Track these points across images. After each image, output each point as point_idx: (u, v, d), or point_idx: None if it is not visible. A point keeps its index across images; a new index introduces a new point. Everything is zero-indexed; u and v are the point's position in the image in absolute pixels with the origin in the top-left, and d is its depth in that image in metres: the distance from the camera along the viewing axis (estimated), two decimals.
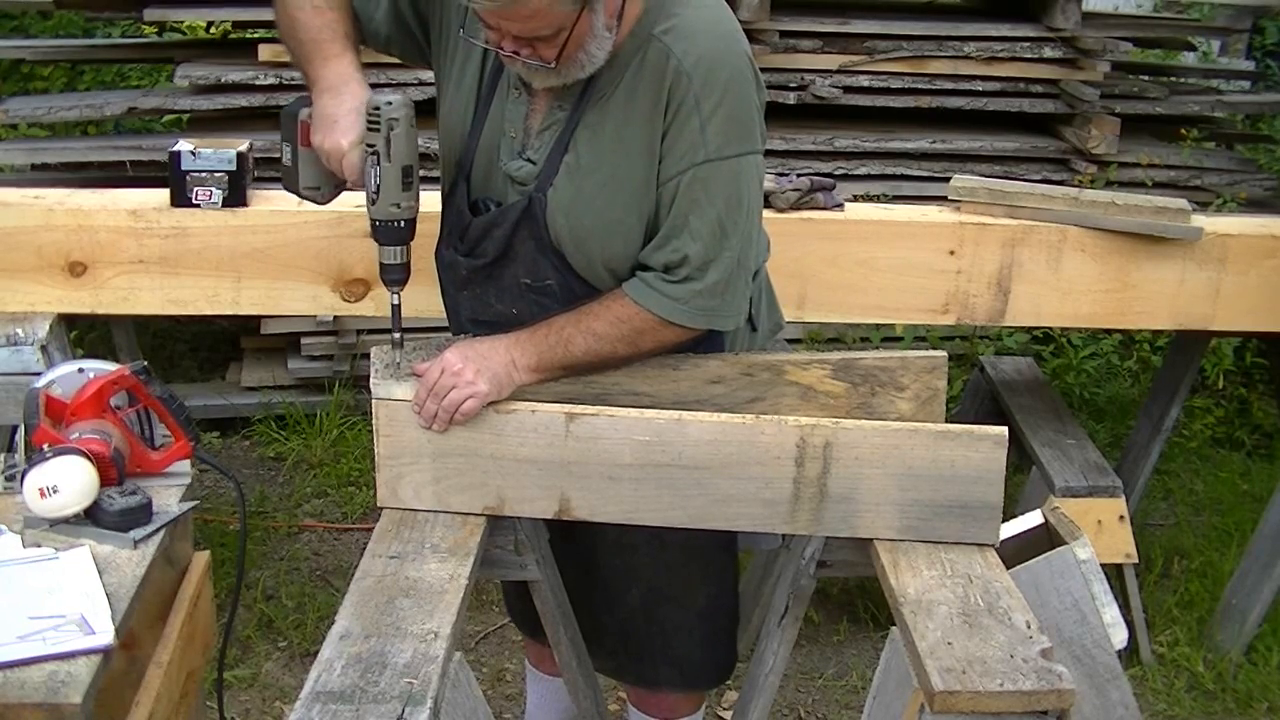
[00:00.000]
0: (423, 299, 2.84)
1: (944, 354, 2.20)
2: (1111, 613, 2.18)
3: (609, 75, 1.97)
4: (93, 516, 1.96)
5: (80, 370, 2.13)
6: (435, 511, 2.12)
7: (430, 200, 2.10)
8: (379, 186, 1.98)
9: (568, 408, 2.07)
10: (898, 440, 2.05)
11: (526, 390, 2.09)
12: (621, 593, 2.35)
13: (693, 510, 2.10)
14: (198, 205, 2.78)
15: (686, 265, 2.00)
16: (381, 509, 2.14)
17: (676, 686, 2.45)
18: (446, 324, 2.31)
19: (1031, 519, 2.35)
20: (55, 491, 1.91)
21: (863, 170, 4.62)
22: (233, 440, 4.32)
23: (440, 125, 2.17)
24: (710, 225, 1.99)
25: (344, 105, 2.00)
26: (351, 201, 2.90)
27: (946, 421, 2.15)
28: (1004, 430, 2.06)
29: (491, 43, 1.94)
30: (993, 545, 2.09)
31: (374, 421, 2.11)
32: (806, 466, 2.07)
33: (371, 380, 2.12)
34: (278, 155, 2.14)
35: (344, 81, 2.02)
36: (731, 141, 1.96)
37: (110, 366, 2.15)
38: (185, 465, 2.18)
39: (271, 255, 2.81)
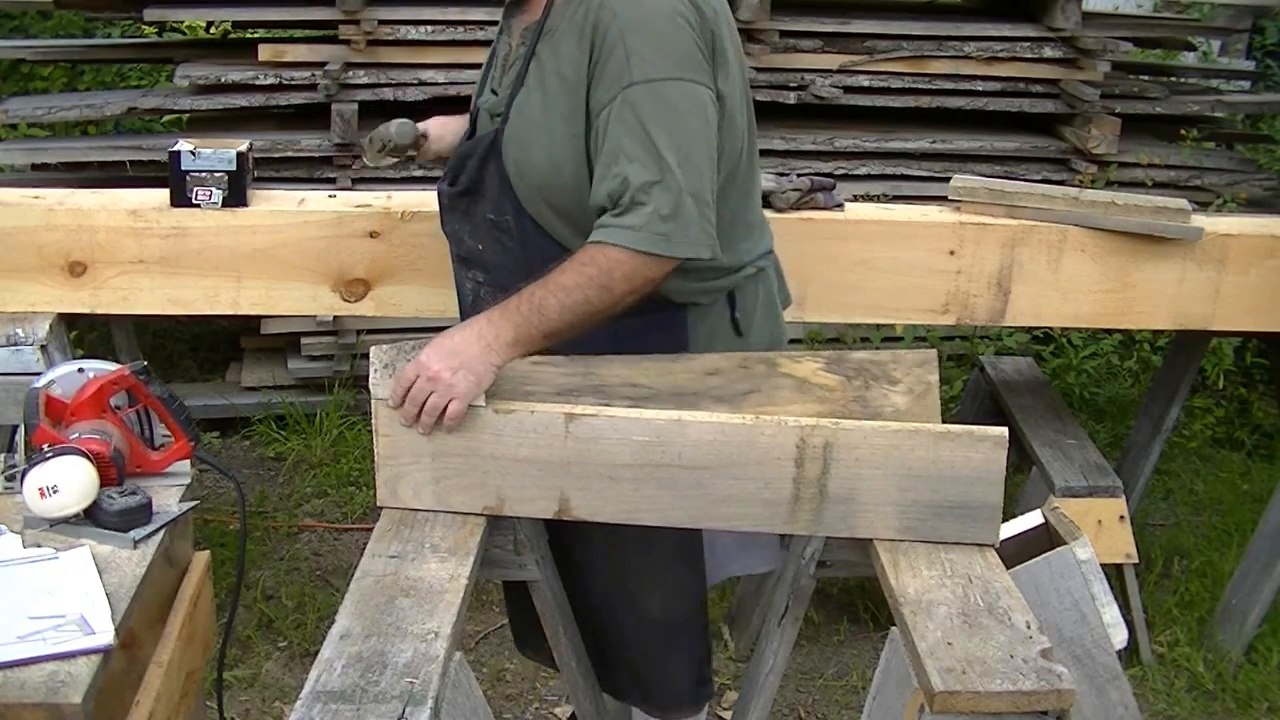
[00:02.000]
0: (423, 299, 2.86)
1: (934, 350, 2.24)
2: (1111, 613, 2.17)
3: (558, 11, 2.06)
4: (93, 516, 1.96)
5: (80, 370, 2.13)
6: (435, 511, 2.12)
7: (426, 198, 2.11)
8: None
9: (567, 408, 2.07)
10: (898, 441, 2.05)
11: (527, 383, 2.09)
12: (584, 593, 2.34)
13: (692, 510, 2.10)
14: (198, 205, 2.77)
15: (629, 188, 1.99)
16: (381, 509, 2.14)
17: (637, 701, 2.42)
18: (447, 325, 2.31)
19: (1031, 519, 2.34)
20: (55, 491, 1.91)
21: (863, 170, 4.62)
22: (233, 440, 4.32)
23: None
24: (644, 145, 1.98)
25: None
26: (352, 202, 2.91)
27: (946, 421, 2.15)
28: (1004, 431, 2.06)
29: None
30: (993, 545, 2.09)
31: (373, 421, 2.10)
32: (806, 467, 2.07)
33: (370, 381, 2.11)
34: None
35: None
36: (660, 67, 1.98)
37: (110, 366, 2.15)
38: (185, 465, 2.19)
39: (271, 255, 2.81)
